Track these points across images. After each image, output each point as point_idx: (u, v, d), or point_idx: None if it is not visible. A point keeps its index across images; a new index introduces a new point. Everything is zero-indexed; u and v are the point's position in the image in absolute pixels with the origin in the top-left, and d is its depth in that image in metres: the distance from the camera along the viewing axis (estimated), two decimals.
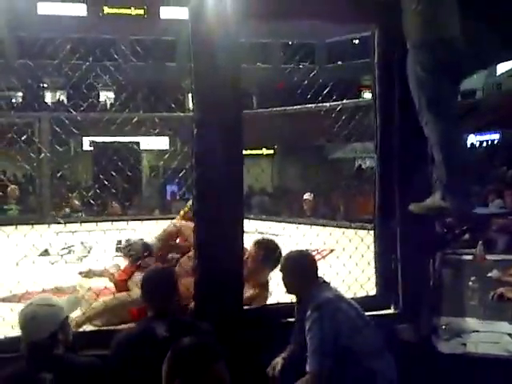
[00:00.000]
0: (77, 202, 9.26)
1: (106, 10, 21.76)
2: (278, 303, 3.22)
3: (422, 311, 3.25)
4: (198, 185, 3.00)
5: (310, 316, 2.59)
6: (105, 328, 3.06)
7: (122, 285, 3.43)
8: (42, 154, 7.36)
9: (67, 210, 9.07)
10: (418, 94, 2.99)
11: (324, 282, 2.78)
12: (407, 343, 3.13)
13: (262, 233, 4.36)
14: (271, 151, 19.66)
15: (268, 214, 9.30)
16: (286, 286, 2.82)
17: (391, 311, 3.24)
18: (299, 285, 2.74)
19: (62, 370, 2.13)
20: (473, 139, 15.73)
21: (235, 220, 3.02)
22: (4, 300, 3.52)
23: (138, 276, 3.21)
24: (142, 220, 7.15)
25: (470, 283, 3.49)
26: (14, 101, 20.33)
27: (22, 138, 5.43)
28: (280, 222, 6.75)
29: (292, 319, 3.03)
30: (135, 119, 5.23)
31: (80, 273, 3.80)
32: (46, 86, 22.39)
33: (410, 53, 3.00)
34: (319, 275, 2.80)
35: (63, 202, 9.02)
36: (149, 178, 16.49)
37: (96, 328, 3.10)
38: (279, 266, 2.89)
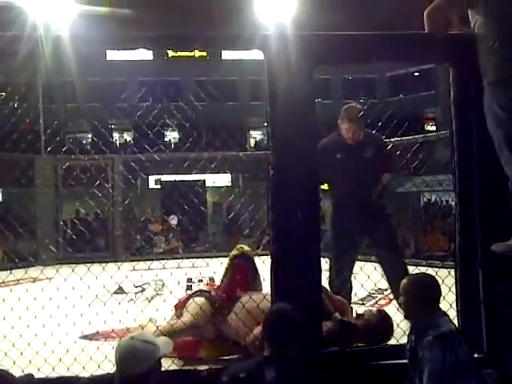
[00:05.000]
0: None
1: (171, 53, 22.59)
2: (359, 346, 3.17)
3: (508, 356, 3.10)
4: (275, 225, 3.04)
5: (432, 344, 2.48)
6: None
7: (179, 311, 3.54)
8: (116, 195, 7.69)
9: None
10: (495, 131, 2.94)
11: (446, 314, 2.69)
12: None
13: None
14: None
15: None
16: (406, 309, 2.70)
17: (475, 356, 3.11)
18: (422, 310, 2.61)
19: None
20: None
21: (312, 260, 3.03)
22: (90, 338, 3.63)
23: (191, 304, 3.38)
24: (208, 258, 7.28)
25: None
26: (84, 142, 21.28)
27: (98, 179, 5.69)
28: None
29: (372, 362, 2.99)
30: (200, 158, 5.39)
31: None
32: (113, 127, 23.35)
33: (487, 90, 2.97)
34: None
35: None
36: (212, 215, 16.75)
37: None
38: (401, 289, 2.73)
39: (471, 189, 3.10)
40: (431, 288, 2.69)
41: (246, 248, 3.80)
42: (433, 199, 15.26)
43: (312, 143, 3.12)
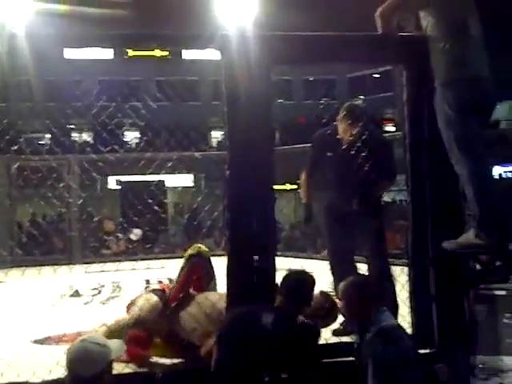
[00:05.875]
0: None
1: (131, 52, 22.26)
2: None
3: (458, 350, 3.18)
4: (230, 225, 3.04)
5: (372, 340, 2.52)
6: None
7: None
8: (72, 196, 7.53)
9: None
10: (446, 132, 3.00)
11: (386, 310, 2.73)
12: None
13: None
14: (295, 186, 19.68)
15: (292, 249, 9.30)
16: (347, 313, 2.75)
17: (427, 351, 3.18)
18: (361, 310, 2.64)
19: None
20: (500, 170, 15.55)
21: (267, 260, 3.04)
22: (42, 343, 3.54)
23: (139, 300, 3.44)
24: (166, 259, 7.23)
25: (505, 320, 3.41)
26: (41, 142, 20.77)
27: (52, 180, 5.56)
28: (308, 258, 6.74)
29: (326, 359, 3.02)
30: (160, 158, 5.32)
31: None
32: (72, 127, 22.89)
33: (438, 91, 3.03)
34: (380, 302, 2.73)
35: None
36: (173, 216, 16.59)
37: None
38: (340, 294, 2.77)
39: (423, 187, 3.16)
40: (367, 287, 2.75)
41: (204, 248, 3.74)
42: (388, 199, 15.50)
43: (268, 143, 3.13)
